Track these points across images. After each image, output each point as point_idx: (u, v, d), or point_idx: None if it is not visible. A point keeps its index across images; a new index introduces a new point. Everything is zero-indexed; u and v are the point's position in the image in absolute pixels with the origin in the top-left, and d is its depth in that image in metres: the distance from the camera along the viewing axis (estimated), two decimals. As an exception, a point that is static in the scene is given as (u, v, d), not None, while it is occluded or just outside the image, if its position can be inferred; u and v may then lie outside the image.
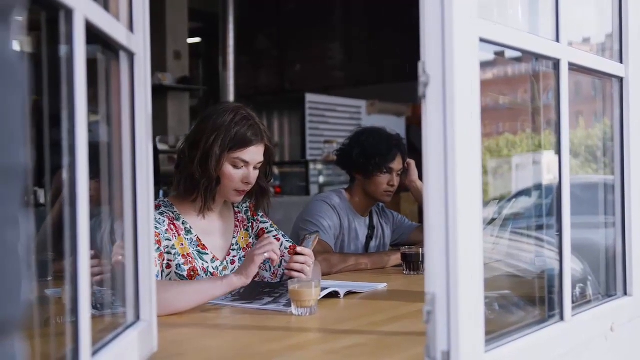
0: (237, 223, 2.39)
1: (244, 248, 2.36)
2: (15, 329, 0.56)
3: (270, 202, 2.41)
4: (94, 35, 1.13)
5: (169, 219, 2.20)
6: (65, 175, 1.02)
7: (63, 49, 1.02)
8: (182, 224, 2.23)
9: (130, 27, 1.36)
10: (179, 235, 2.20)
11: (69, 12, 1.00)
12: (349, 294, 2.19)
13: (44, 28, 1.03)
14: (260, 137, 2.22)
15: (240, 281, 1.98)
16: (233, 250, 2.34)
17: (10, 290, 0.55)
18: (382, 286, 2.37)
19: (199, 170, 2.17)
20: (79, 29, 1.02)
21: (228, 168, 2.19)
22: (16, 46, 0.59)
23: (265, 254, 1.98)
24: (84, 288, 1.02)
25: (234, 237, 2.35)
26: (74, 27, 1.01)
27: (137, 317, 1.38)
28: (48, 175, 1.12)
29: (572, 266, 1.58)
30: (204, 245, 2.25)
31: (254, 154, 2.21)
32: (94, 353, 1.10)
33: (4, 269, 0.55)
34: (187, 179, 2.21)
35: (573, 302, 1.57)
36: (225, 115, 2.19)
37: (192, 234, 2.23)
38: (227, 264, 2.30)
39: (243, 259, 2.31)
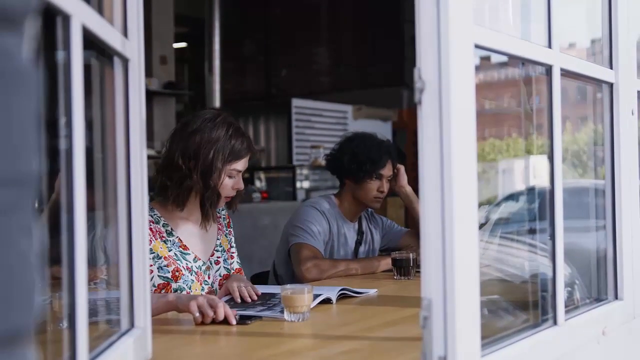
0: (220, 226, 2.47)
1: (227, 250, 2.45)
2: (29, 337, 0.56)
3: (239, 201, 2.45)
4: (89, 41, 1.12)
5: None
6: (62, 181, 1.01)
7: (60, 55, 1.02)
8: (163, 226, 2.28)
9: (125, 33, 1.35)
10: (156, 239, 2.24)
11: (66, 18, 1.00)
12: (342, 297, 2.19)
13: (40, 34, 1.02)
14: (252, 147, 2.35)
15: (174, 303, 1.94)
16: (217, 251, 2.41)
17: (25, 299, 0.55)
18: (373, 292, 2.37)
19: (202, 185, 2.24)
20: (76, 34, 1.01)
21: (225, 179, 2.28)
22: (28, 54, 0.59)
23: (197, 314, 1.83)
24: (81, 296, 1.02)
25: (218, 239, 2.43)
26: (71, 32, 1.00)
27: (132, 324, 1.37)
28: (45, 181, 1.11)
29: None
30: (185, 245, 2.30)
31: (245, 162, 2.33)
32: (90, 361, 1.10)
33: (18, 277, 0.54)
34: (186, 192, 2.26)
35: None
36: (219, 129, 2.26)
37: (173, 235, 2.29)
38: (212, 264, 2.37)
39: (227, 260, 2.43)
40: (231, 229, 2.54)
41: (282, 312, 1.91)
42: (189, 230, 2.34)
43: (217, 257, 2.40)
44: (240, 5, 9.68)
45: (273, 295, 2.20)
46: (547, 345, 1.50)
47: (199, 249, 2.34)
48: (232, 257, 2.50)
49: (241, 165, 2.31)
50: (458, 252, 1.17)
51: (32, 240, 0.57)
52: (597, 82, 1.85)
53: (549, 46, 1.54)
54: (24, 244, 0.55)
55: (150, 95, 7.26)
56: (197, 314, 1.83)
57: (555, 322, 1.54)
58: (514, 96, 1.97)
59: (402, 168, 3.14)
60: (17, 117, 0.55)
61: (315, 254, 2.84)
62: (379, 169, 3.01)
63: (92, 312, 1.40)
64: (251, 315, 1.92)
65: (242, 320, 1.86)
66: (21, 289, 0.55)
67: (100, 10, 1.26)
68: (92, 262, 1.51)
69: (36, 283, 0.57)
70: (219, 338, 1.77)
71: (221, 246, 2.43)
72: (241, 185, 2.33)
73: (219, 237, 2.44)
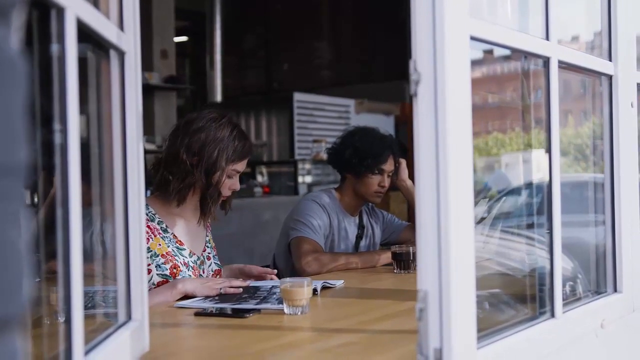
0: (208, 225, 2.51)
1: (214, 247, 2.51)
2: (17, 326, 0.57)
3: (231, 201, 2.49)
4: (84, 34, 1.12)
5: None
6: (56, 175, 1.01)
7: (54, 48, 1.02)
8: (158, 223, 2.31)
9: (121, 26, 1.35)
10: (155, 236, 2.27)
11: (60, 11, 0.99)
12: (340, 291, 2.20)
13: (34, 26, 1.02)
14: (252, 150, 2.40)
15: (185, 286, 2.12)
16: (208, 247, 2.47)
17: (13, 288, 0.55)
18: (339, 283, 2.39)
19: (204, 182, 2.29)
20: (70, 27, 1.01)
21: (225, 179, 2.32)
22: (16, 45, 0.59)
23: (221, 290, 2.14)
24: (76, 289, 1.02)
25: (207, 236, 2.49)
26: (65, 25, 1.00)
27: (129, 317, 1.38)
28: (38, 176, 1.12)
29: (562, 264, 1.59)
30: (180, 241, 2.34)
31: (245, 164, 2.39)
32: (86, 352, 1.10)
33: (6, 266, 0.55)
34: (187, 187, 2.29)
35: (563, 299, 1.58)
36: (224, 129, 2.31)
37: (168, 232, 2.32)
38: (204, 259, 2.43)
39: (216, 257, 2.49)
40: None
41: (280, 302, 1.91)
42: (182, 227, 2.38)
43: (208, 253, 2.46)
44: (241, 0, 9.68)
45: (258, 288, 2.21)
46: (544, 338, 1.50)
47: (193, 245, 2.39)
48: (209, 260, 2.52)
49: (241, 166, 2.36)
50: (454, 243, 1.17)
51: (20, 229, 0.57)
52: (596, 74, 1.85)
53: (547, 38, 1.54)
54: (12, 233, 0.56)
55: (151, 89, 7.27)
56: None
57: (552, 315, 1.54)
58: (517, 90, 1.97)
59: (403, 162, 3.14)
60: (4, 108, 0.56)
61: (315, 247, 2.84)
62: (380, 163, 3.00)
63: (91, 305, 1.40)
64: (250, 308, 1.92)
65: (241, 313, 1.87)
66: (9, 278, 0.55)
67: (96, 3, 1.26)
68: (92, 258, 1.52)
69: (25, 272, 0.58)
70: (217, 331, 1.78)
71: (210, 243, 2.49)
72: (237, 187, 2.39)
73: (207, 234, 2.49)
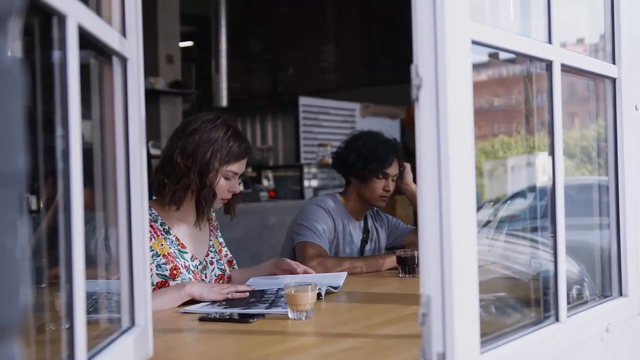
0: (212, 228, 2.51)
1: (218, 252, 2.50)
2: (14, 333, 0.57)
3: (236, 206, 2.49)
4: (87, 41, 1.13)
5: None
6: (59, 181, 1.01)
7: (56, 54, 1.02)
8: (161, 225, 2.32)
9: (123, 32, 1.36)
10: (157, 236, 2.28)
11: (61, 18, 1.00)
12: (328, 293, 2.20)
13: (36, 33, 1.03)
14: (249, 151, 2.39)
15: (192, 289, 2.11)
16: (211, 252, 2.46)
17: (10, 295, 0.56)
18: (342, 277, 2.42)
19: (198, 183, 2.28)
20: (72, 34, 1.02)
21: (221, 180, 2.32)
22: (14, 52, 0.59)
23: (228, 295, 2.14)
24: (78, 294, 1.02)
25: (210, 240, 2.48)
26: (67, 32, 1.01)
27: (132, 323, 1.38)
28: (41, 182, 1.12)
29: (568, 268, 1.58)
30: (183, 244, 2.34)
31: (242, 166, 2.37)
32: (89, 358, 1.10)
33: (3, 273, 0.55)
34: (182, 189, 2.29)
35: (569, 303, 1.57)
36: (218, 130, 2.31)
37: (171, 234, 2.32)
38: (207, 264, 2.42)
39: (219, 261, 2.47)
40: (218, 231, 2.57)
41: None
42: (184, 231, 2.37)
43: (211, 258, 2.45)
44: (246, 4, 9.68)
45: (264, 292, 2.21)
46: (549, 342, 1.49)
47: (195, 249, 2.39)
48: (225, 256, 2.54)
49: (237, 167, 2.34)
50: (456, 248, 1.17)
51: (17, 236, 0.57)
52: (600, 77, 1.84)
53: (549, 42, 1.53)
54: (9, 241, 0.56)
55: (156, 94, 7.27)
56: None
57: (557, 319, 1.53)
58: (522, 92, 1.97)
59: (408, 166, 3.14)
60: (1, 116, 0.56)
61: (320, 252, 2.85)
62: (384, 167, 3.00)
63: (94, 309, 1.41)
64: (255, 313, 1.92)
65: (245, 318, 1.87)
66: (6, 285, 0.55)
67: (98, 10, 1.27)
68: (97, 264, 1.52)
69: (22, 279, 0.58)
70: (221, 336, 1.77)
71: (213, 247, 2.48)
72: (237, 189, 2.37)
73: (211, 238, 2.49)
